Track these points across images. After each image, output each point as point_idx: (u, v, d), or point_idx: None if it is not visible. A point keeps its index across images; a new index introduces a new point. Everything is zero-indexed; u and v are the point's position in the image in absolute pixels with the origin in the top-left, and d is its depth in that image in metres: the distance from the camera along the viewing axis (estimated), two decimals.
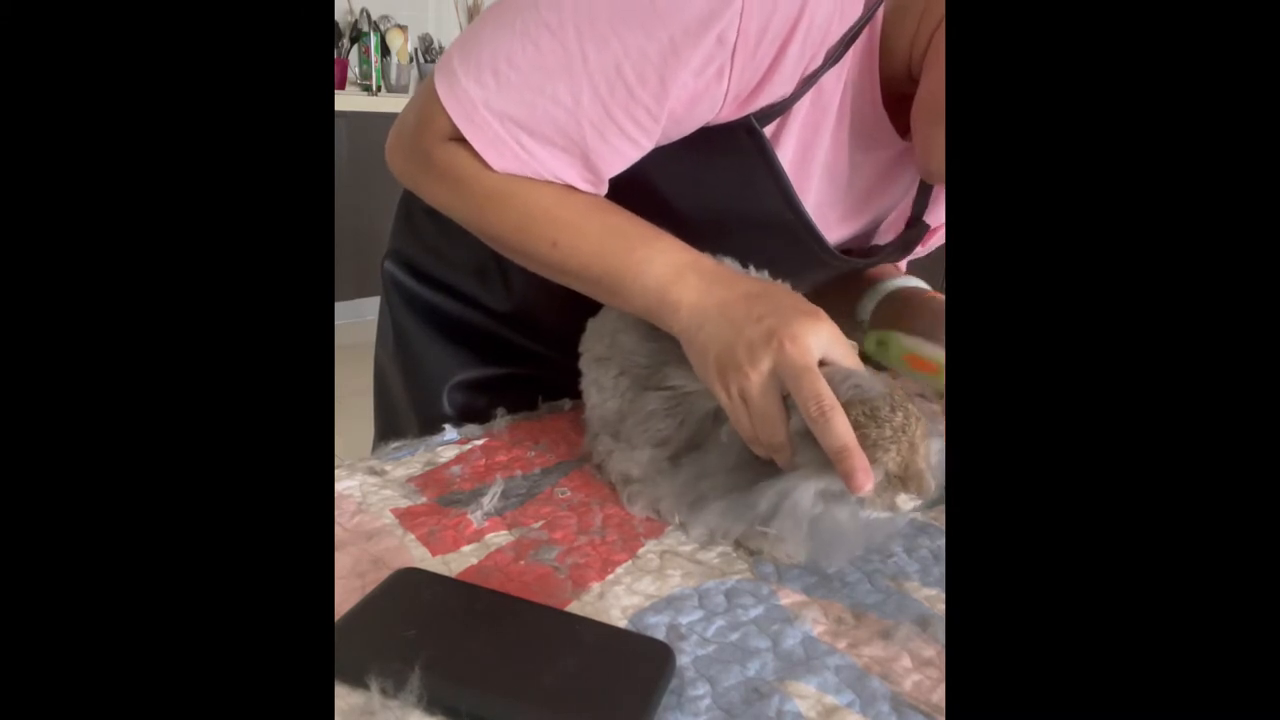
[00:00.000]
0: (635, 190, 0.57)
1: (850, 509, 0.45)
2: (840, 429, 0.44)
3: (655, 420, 0.53)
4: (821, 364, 0.47)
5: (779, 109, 0.55)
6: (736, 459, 0.50)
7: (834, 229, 0.66)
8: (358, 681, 0.35)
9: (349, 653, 0.36)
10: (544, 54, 0.49)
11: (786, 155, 0.58)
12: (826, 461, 0.44)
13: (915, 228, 0.71)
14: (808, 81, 0.54)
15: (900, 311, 0.72)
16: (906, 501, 0.45)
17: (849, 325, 0.79)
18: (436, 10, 3.86)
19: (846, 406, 0.44)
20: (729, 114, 0.54)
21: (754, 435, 0.49)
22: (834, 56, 0.54)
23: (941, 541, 0.51)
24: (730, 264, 0.56)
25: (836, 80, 0.56)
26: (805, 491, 0.45)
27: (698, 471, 0.51)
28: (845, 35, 0.53)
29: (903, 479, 0.44)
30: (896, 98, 0.58)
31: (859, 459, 0.43)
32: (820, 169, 0.61)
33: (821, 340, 0.47)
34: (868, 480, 0.43)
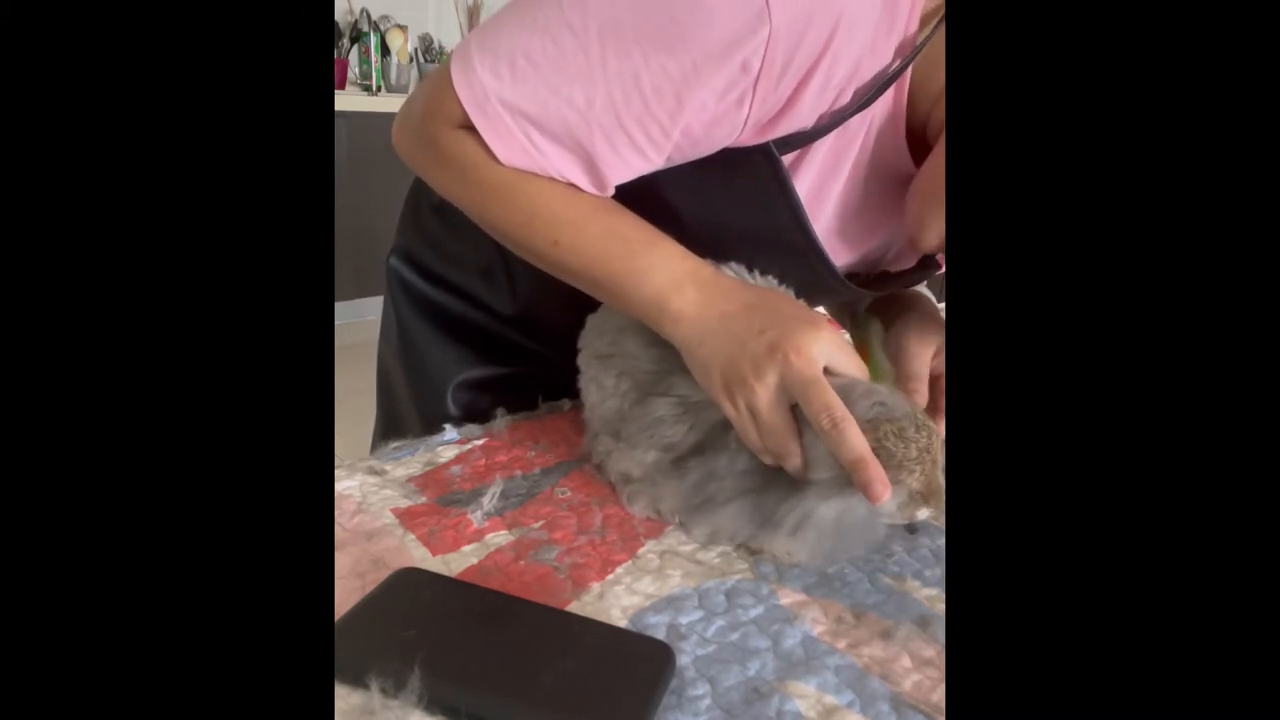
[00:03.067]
0: (645, 198, 0.57)
1: (866, 518, 0.46)
2: (854, 440, 0.44)
3: (663, 426, 0.53)
4: (826, 372, 0.47)
5: (801, 140, 0.55)
6: (746, 463, 0.50)
7: (839, 254, 0.66)
8: (358, 681, 0.35)
9: (349, 653, 0.36)
10: (564, 54, 0.49)
11: (804, 184, 0.58)
12: (845, 478, 0.45)
13: (927, 269, 0.71)
14: (835, 119, 0.54)
15: (885, 303, 0.72)
16: (925, 514, 0.46)
17: (844, 317, 0.79)
18: (436, 10, 3.86)
19: (873, 425, 0.45)
20: (748, 139, 0.54)
21: (762, 447, 0.49)
22: (864, 100, 0.53)
23: (941, 541, 0.51)
24: (736, 269, 0.56)
25: (862, 118, 0.55)
26: (827, 512, 0.46)
27: (705, 474, 0.51)
28: (876, 80, 0.53)
29: (925, 495, 0.45)
30: (917, 141, 0.58)
31: (875, 470, 0.43)
32: (836, 199, 0.60)
33: (825, 348, 0.47)
34: (885, 491, 0.43)
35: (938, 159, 0.55)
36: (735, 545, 0.49)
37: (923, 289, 0.74)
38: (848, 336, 0.92)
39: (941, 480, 0.45)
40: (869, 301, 0.75)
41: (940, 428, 0.56)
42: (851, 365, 0.49)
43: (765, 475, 0.50)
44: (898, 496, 0.45)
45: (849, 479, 0.45)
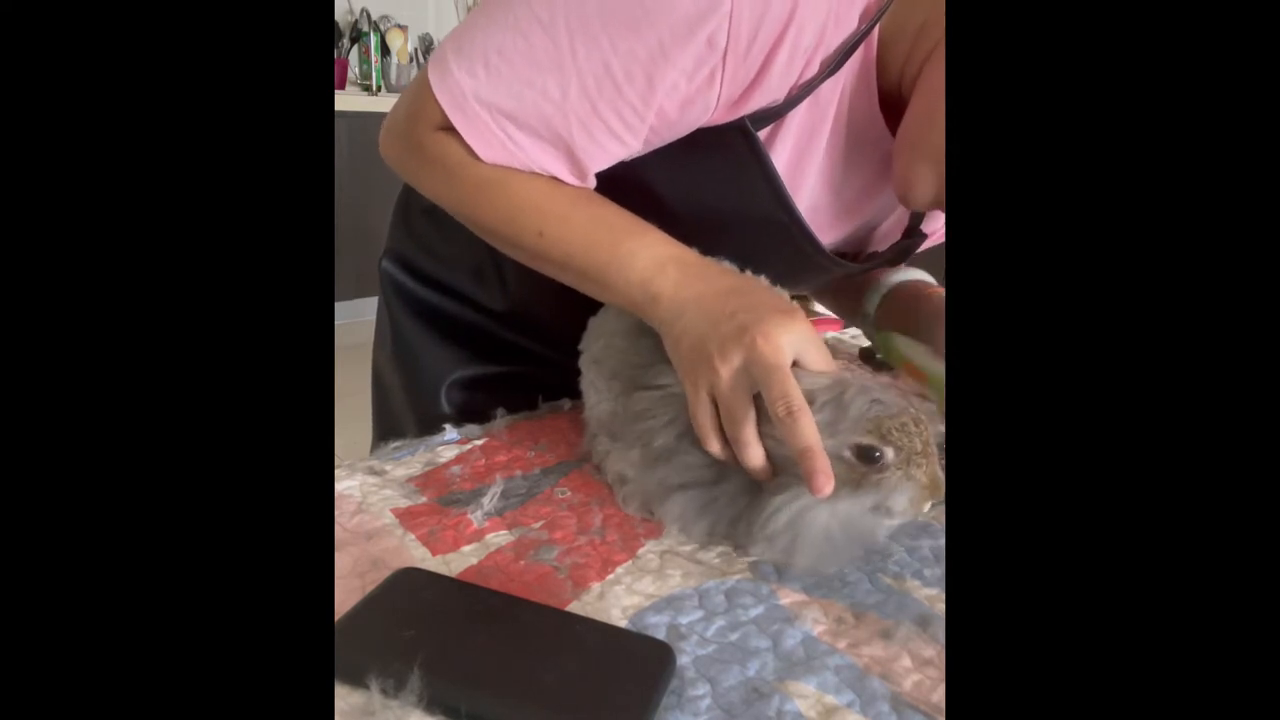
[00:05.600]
0: (629, 186, 0.57)
1: (865, 519, 0.46)
2: (806, 430, 0.44)
3: (643, 420, 0.53)
4: (795, 365, 0.47)
5: (774, 114, 0.55)
6: (701, 454, 0.50)
7: (827, 231, 0.66)
8: (358, 681, 0.35)
9: (349, 653, 0.36)
10: (534, 48, 0.50)
11: (782, 158, 0.58)
12: (841, 480, 0.45)
13: (912, 238, 0.71)
14: (805, 89, 0.54)
15: (903, 309, 0.72)
16: (929, 508, 0.46)
17: (857, 320, 0.80)
18: (436, 10, 3.86)
19: (876, 423, 0.45)
20: (721, 116, 0.54)
21: (709, 430, 0.49)
22: (831, 67, 0.54)
23: (941, 541, 0.51)
24: (726, 265, 0.56)
25: (834, 87, 0.56)
26: (821, 513, 0.45)
27: (666, 462, 0.51)
28: (843, 47, 0.53)
29: (930, 488, 0.45)
30: (892, 104, 0.58)
31: (822, 461, 0.43)
32: (815, 172, 0.61)
33: (794, 339, 0.47)
34: (828, 483, 0.43)
35: (917, 111, 0.55)
36: (735, 545, 0.49)
37: (929, 278, 0.74)
38: (855, 333, 0.93)
39: (940, 471, 0.45)
40: (875, 311, 0.75)
41: None
42: (821, 360, 0.48)
43: (721, 469, 0.50)
44: (908, 491, 0.45)
45: (843, 481, 0.45)
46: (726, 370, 0.47)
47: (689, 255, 0.53)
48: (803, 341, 0.48)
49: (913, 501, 0.45)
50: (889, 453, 0.45)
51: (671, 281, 0.52)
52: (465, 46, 0.52)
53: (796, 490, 0.46)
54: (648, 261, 0.52)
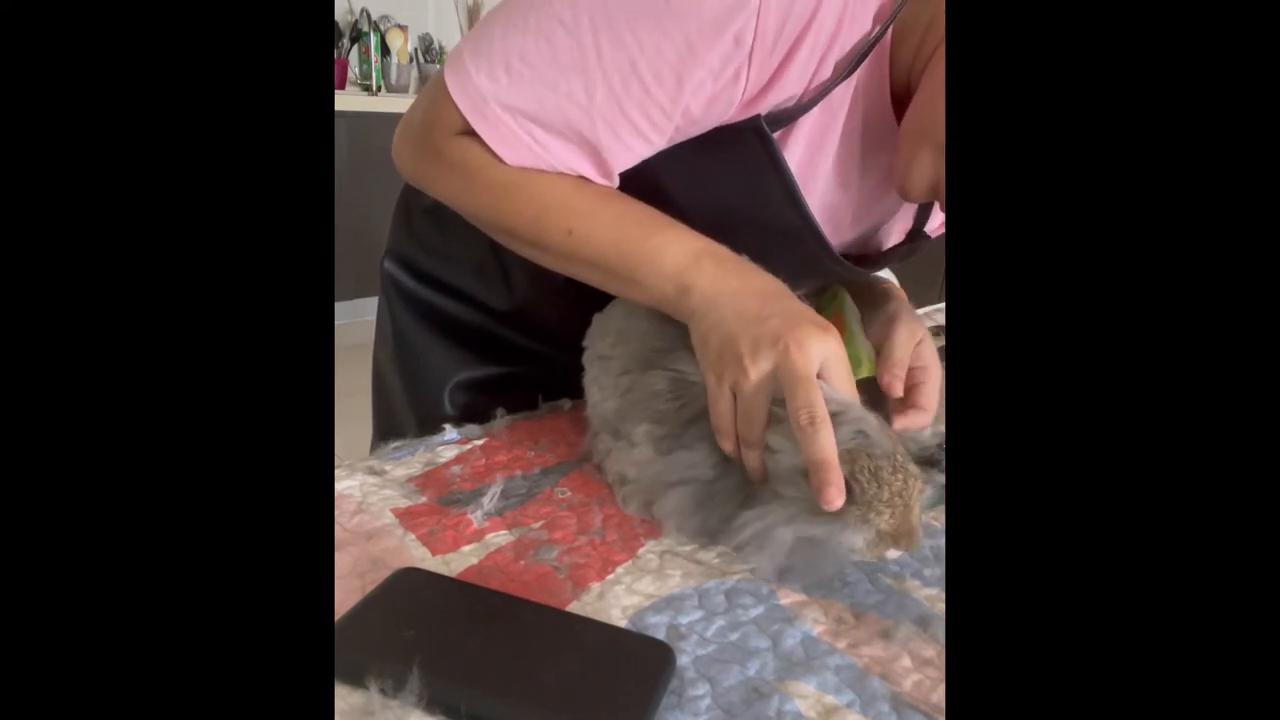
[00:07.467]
0: (640, 185, 0.57)
1: (831, 548, 0.46)
2: (824, 443, 0.44)
3: (658, 401, 0.53)
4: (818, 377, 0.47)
5: (788, 116, 0.55)
6: (706, 452, 0.50)
7: (838, 233, 0.66)
8: (358, 681, 0.35)
9: (349, 653, 0.36)
10: (557, 49, 0.49)
11: (793, 158, 0.58)
12: (813, 504, 0.44)
13: (916, 240, 0.71)
14: (821, 92, 0.54)
15: (861, 289, 0.72)
16: (895, 554, 0.46)
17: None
18: (436, 10, 3.86)
19: (850, 456, 0.44)
20: (736, 114, 0.54)
21: (727, 428, 0.49)
22: (847, 69, 0.54)
23: (941, 541, 0.51)
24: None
25: (846, 87, 0.56)
26: (786, 533, 0.45)
27: (668, 456, 0.51)
28: (858, 48, 0.53)
29: (894, 536, 0.45)
30: (901, 100, 0.58)
31: (835, 475, 0.43)
32: (827, 172, 0.60)
33: (825, 353, 0.47)
34: (839, 497, 0.43)
35: (921, 99, 0.55)
36: (734, 546, 0.49)
37: (894, 279, 0.74)
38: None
39: (914, 522, 0.45)
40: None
41: (916, 419, 0.56)
42: (845, 381, 0.48)
43: (721, 467, 0.50)
44: (865, 534, 0.44)
45: (815, 503, 0.44)
46: (755, 372, 0.47)
47: (721, 249, 0.53)
48: (832, 359, 0.48)
49: (869, 544, 0.45)
50: (854, 489, 0.44)
51: (707, 274, 0.52)
52: (484, 50, 0.51)
53: (766, 508, 0.46)
54: (681, 254, 0.52)
